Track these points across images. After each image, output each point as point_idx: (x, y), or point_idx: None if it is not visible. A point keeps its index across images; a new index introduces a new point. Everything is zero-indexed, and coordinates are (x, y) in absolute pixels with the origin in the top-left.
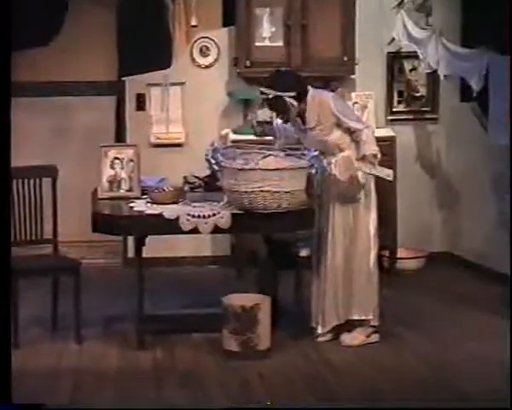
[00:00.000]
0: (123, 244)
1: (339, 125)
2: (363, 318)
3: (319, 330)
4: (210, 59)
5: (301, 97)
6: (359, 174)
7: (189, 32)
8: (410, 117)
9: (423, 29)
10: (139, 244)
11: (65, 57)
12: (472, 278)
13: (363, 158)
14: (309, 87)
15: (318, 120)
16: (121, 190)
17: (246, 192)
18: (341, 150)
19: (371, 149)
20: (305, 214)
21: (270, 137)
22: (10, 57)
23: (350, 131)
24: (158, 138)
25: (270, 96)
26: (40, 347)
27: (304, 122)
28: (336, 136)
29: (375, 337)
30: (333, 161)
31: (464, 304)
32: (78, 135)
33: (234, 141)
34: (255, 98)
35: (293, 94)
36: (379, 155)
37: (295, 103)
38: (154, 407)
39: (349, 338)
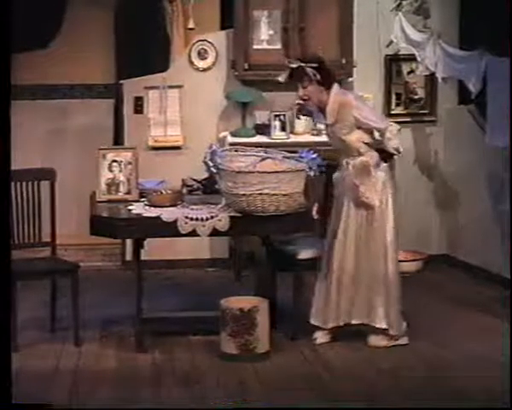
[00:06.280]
0: (121, 247)
1: (359, 126)
2: (363, 322)
3: (319, 330)
4: (208, 62)
5: (323, 75)
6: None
7: (187, 34)
8: (408, 119)
9: (421, 31)
10: (137, 247)
11: (63, 60)
12: (470, 280)
13: (382, 151)
14: (335, 84)
15: (338, 118)
16: (119, 193)
17: (244, 195)
18: (360, 154)
19: (393, 143)
20: (303, 217)
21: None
22: (10, 60)
23: (371, 133)
24: (156, 141)
25: (294, 65)
26: (39, 349)
27: (325, 117)
28: (356, 136)
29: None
30: (351, 162)
31: (463, 306)
32: (76, 138)
33: (232, 143)
34: (253, 101)
35: (315, 65)
36: (401, 149)
37: (318, 77)
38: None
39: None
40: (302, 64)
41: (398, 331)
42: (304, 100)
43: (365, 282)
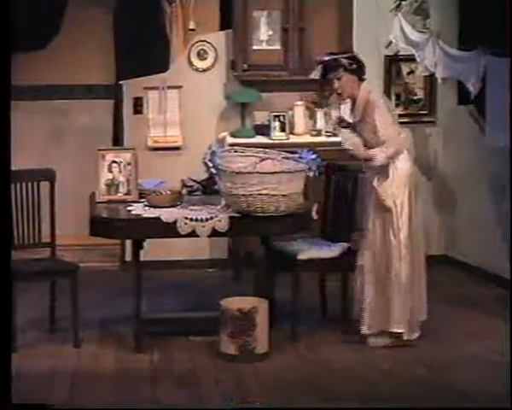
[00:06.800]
0: (121, 247)
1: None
2: (383, 329)
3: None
4: (207, 62)
5: (357, 64)
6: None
7: (187, 35)
8: (408, 120)
9: (421, 32)
10: (137, 247)
11: (62, 60)
12: (469, 280)
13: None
14: (364, 84)
15: (362, 117)
16: (119, 194)
17: (243, 195)
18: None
19: (374, 152)
20: (302, 217)
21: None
22: (10, 60)
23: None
24: (155, 142)
25: (328, 57)
26: (38, 349)
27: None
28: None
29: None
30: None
31: (462, 306)
32: (75, 138)
33: (231, 144)
34: (253, 101)
35: (347, 55)
36: (373, 162)
37: (354, 66)
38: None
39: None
40: (335, 56)
41: (408, 336)
42: (339, 94)
43: (383, 286)
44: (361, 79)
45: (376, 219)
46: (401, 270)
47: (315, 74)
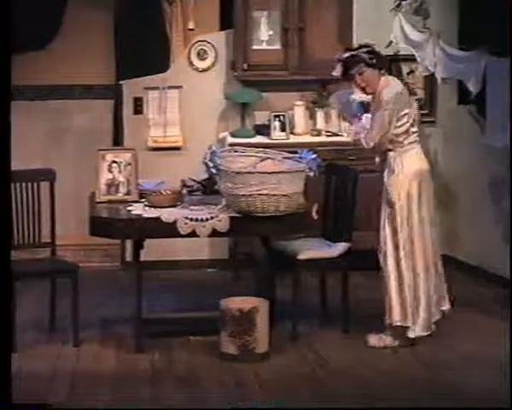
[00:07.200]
0: (121, 248)
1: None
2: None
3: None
4: (207, 62)
5: (377, 57)
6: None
7: (187, 35)
8: None
9: (421, 32)
10: (137, 248)
11: (62, 60)
12: (470, 280)
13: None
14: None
15: (375, 110)
16: (119, 194)
17: (244, 195)
18: (389, 150)
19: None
20: (302, 217)
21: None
22: (10, 60)
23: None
24: (155, 142)
25: (348, 54)
26: (38, 349)
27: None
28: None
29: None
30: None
31: (462, 306)
32: (75, 139)
33: (231, 144)
34: (253, 101)
35: (366, 49)
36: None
37: (374, 60)
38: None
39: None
40: (354, 52)
41: (410, 334)
42: (362, 88)
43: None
44: (381, 73)
45: (383, 214)
46: (396, 266)
47: (336, 72)
